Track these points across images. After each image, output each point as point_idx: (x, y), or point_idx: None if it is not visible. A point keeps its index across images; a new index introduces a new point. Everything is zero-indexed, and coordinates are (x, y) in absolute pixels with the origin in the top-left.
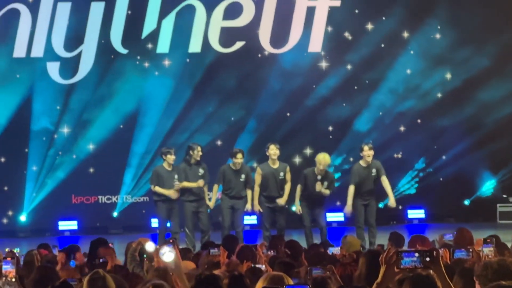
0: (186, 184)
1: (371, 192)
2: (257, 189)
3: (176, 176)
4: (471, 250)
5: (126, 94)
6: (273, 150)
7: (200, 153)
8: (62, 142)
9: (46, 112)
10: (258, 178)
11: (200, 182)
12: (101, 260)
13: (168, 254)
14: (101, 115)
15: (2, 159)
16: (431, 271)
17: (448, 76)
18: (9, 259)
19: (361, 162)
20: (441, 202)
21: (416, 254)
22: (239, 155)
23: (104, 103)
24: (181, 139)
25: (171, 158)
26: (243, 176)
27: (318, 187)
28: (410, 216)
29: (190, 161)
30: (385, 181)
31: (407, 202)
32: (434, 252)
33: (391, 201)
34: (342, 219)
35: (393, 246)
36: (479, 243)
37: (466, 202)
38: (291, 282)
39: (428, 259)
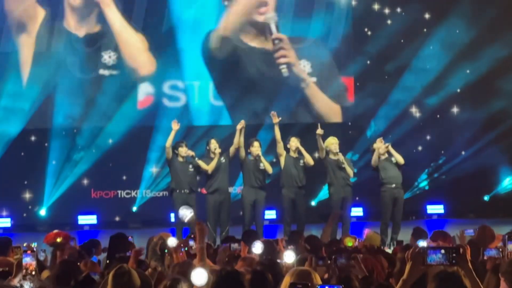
0: (201, 163)
1: (397, 178)
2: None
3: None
4: (501, 249)
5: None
6: (294, 142)
7: (216, 146)
8: (82, 137)
9: (67, 106)
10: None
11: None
12: (127, 253)
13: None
14: (122, 109)
15: (22, 153)
16: (457, 268)
17: (467, 70)
18: (29, 252)
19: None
20: (461, 197)
21: (442, 251)
22: (256, 143)
23: (125, 98)
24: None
25: (182, 150)
26: (261, 165)
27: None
28: (429, 211)
29: (209, 155)
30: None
31: (426, 198)
32: (461, 249)
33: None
34: (361, 213)
35: (415, 241)
36: (499, 239)
37: (486, 198)
38: (318, 277)
39: (454, 256)
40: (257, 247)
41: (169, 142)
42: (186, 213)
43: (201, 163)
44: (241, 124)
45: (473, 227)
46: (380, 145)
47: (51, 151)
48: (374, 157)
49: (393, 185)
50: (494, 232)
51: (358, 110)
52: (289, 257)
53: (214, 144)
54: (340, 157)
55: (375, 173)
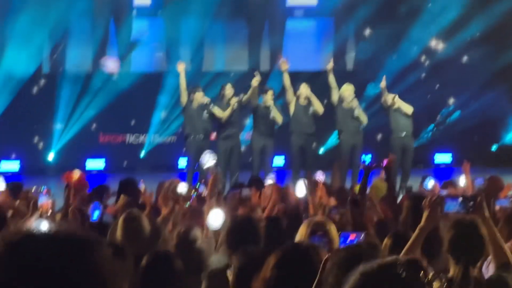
0: (216, 110)
1: (407, 127)
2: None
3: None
4: (511, 199)
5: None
6: (304, 89)
7: (231, 92)
8: (92, 82)
9: (77, 53)
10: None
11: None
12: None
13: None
14: (132, 54)
15: (32, 98)
16: (475, 217)
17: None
18: (44, 192)
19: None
20: (468, 146)
21: (460, 199)
22: (270, 92)
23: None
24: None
25: (199, 95)
26: (271, 114)
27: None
28: (437, 160)
29: (222, 100)
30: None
31: (434, 146)
32: (478, 198)
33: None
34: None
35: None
36: (509, 187)
37: (494, 148)
38: (334, 227)
39: (471, 204)
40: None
41: (182, 85)
42: (209, 160)
43: (216, 110)
44: (256, 81)
45: (481, 176)
46: (387, 98)
47: (61, 96)
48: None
49: (403, 134)
50: (503, 182)
51: (364, 56)
52: (300, 190)
53: (229, 91)
54: (354, 104)
55: (385, 121)
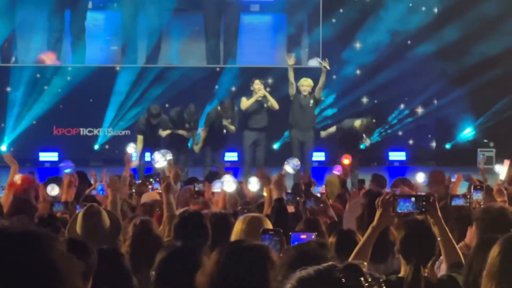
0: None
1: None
2: None
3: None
4: (468, 196)
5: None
6: (307, 82)
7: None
8: (46, 74)
9: (28, 46)
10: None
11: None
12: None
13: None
14: (87, 48)
15: None
16: (426, 217)
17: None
18: None
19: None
20: (422, 145)
21: (412, 199)
22: (257, 81)
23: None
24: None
25: (154, 120)
26: (265, 105)
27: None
28: (391, 158)
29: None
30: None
31: (389, 144)
32: (431, 198)
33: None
34: (323, 158)
35: (375, 187)
36: (459, 178)
37: (448, 146)
38: (269, 223)
39: (424, 204)
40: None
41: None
42: (161, 160)
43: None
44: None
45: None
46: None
47: (12, 87)
48: None
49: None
50: (444, 175)
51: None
52: (253, 185)
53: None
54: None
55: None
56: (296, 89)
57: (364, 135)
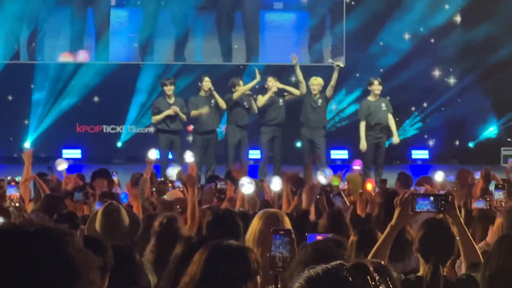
0: (194, 113)
1: (383, 128)
2: None
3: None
4: (488, 199)
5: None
6: (316, 81)
7: (209, 84)
8: (69, 72)
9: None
10: None
11: (203, 110)
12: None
13: (247, 186)
14: (110, 45)
15: (7, 87)
16: (445, 216)
17: (458, 18)
18: (13, 183)
19: (370, 97)
20: (445, 143)
21: (431, 198)
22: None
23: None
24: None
25: (167, 89)
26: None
27: None
28: (414, 156)
29: (199, 93)
30: (391, 119)
31: (412, 143)
32: (449, 197)
33: (395, 139)
34: (346, 156)
35: (401, 186)
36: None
37: (471, 144)
38: (287, 219)
39: (443, 203)
40: (247, 187)
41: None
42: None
43: (196, 112)
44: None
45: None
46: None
47: (35, 85)
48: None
49: (377, 131)
50: (472, 175)
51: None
52: (275, 185)
53: (207, 83)
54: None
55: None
56: (307, 88)
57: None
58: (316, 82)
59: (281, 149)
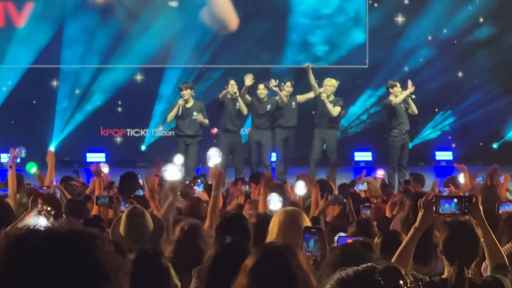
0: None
1: (407, 125)
2: None
3: (195, 113)
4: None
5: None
6: (330, 82)
7: (234, 88)
8: (91, 77)
9: (75, 49)
10: None
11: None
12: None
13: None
14: (134, 48)
15: (31, 91)
16: (469, 218)
17: (481, 20)
18: (45, 188)
19: (391, 98)
20: (469, 144)
21: (455, 200)
22: (261, 86)
23: (134, 38)
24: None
25: (183, 93)
26: (269, 106)
27: None
28: (438, 157)
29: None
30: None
31: (435, 144)
32: (473, 199)
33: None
34: (370, 158)
35: (415, 183)
36: (507, 178)
37: (495, 146)
38: (307, 218)
39: (466, 205)
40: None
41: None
42: (215, 157)
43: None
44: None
45: (481, 174)
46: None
47: (60, 89)
48: (401, 98)
49: (404, 131)
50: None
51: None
52: (300, 189)
53: (233, 86)
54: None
55: (383, 119)
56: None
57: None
58: (330, 83)
59: (293, 151)
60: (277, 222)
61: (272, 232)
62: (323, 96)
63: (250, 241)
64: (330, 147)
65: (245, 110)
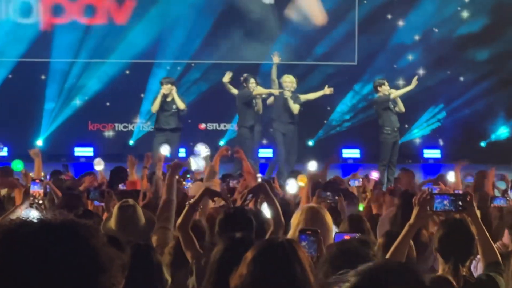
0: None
1: (397, 123)
2: None
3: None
4: (508, 198)
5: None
6: (289, 78)
7: (254, 85)
8: (80, 71)
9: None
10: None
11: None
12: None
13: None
14: (122, 43)
15: (20, 85)
16: (464, 215)
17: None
18: (37, 180)
19: (380, 95)
20: (457, 143)
21: (450, 198)
22: (252, 80)
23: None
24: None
25: (165, 87)
26: (254, 101)
27: None
28: (426, 155)
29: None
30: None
31: (424, 142)
32: (468, 197)
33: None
34: (358, 156)
35: (406, 181)
36: (492, 173)
37: (482, 144)
38: (328, 214)
39: (461, 203)
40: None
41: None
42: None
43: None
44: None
45: (468, 172)
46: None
47: (48, 83)
48: (401, 92)
49: (395, 128)
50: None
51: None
52: (291, 186)
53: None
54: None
55: (372, 116)
56: (279, 86)
57: None
58: (289, 79)
59: (295, 148)
60: (302, 219)
61: (293, 228)
62: (287, 94)
63: (253, 234)
64: (290, 142)
65: (260, 109)
